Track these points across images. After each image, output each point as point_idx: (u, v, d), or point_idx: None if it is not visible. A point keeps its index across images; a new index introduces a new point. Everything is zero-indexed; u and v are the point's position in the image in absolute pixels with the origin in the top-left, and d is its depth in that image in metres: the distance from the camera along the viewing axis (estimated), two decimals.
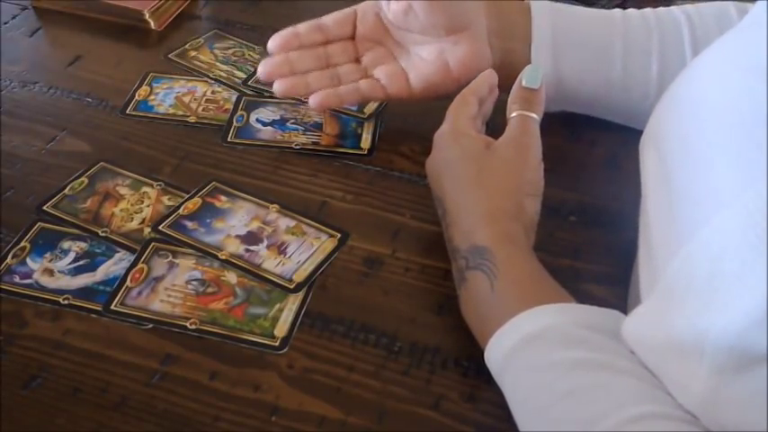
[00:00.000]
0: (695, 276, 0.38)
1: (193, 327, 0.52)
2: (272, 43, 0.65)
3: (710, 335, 0.36)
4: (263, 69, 0.65)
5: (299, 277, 0.55)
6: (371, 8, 0.66)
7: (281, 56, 0.65)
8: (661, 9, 0.64)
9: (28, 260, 0.56)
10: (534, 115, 0.56)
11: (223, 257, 0.56)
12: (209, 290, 0.54)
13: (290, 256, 0.57)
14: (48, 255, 0.56)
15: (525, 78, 0.58)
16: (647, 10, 0.64)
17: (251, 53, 0.78)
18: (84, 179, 0.63)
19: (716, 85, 0.46)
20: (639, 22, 0.63)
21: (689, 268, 0.39)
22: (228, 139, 0.67)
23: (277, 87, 0.65)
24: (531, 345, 0.45)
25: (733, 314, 0.35)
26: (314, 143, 0.67)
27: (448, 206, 0.54)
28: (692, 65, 0.51)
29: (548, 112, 0.58)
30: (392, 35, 0.66)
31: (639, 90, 0.62)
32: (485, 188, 0.54)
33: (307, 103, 0.71)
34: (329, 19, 0.66)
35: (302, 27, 0.66)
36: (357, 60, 0.67)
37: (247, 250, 0.57)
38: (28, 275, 0.55)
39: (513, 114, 0.57)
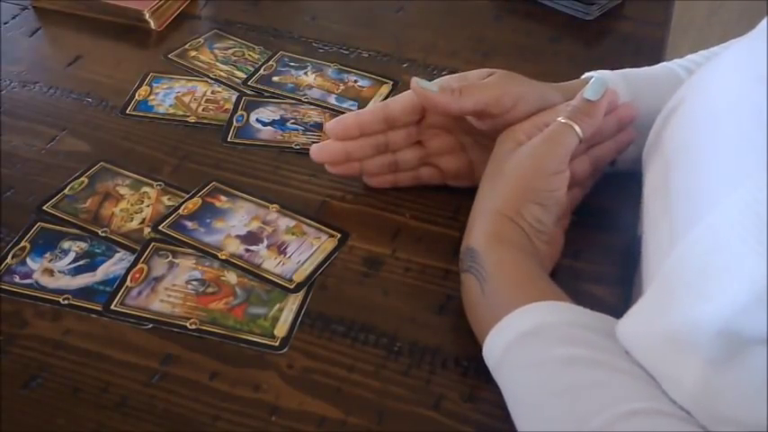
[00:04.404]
0: (688, 271, 0.39)
1: (193, 327, 0.52)
2: (333, 129, 0.60)
3: (702, 324, 0.37)
4: (318, 154, 0.60)
5: (298, 277, 0.55)
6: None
7: (339, 145, 0.60)
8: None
9: (28, 260, 0.56)
10: (576, 126, 0.53)
11: (223, 257, 0.56)
12: (209, 290, 0.54)
13: (290, 256, 0.57)
14: (48, 255, 0.56)
15: (587, 89, 0.54)
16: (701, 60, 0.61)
17: (251, 53, 0.78)
18: (84, 179, 0.63)
19: (718, 92, 0.47)
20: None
21: (682, 264, 0.40)
22: (228, 139, 0.67)
23: (330, 169, 0.61)
24: (527, 341, 0.45)
25: (722, 301, 0.36)
26: (314, 143, 0.67)
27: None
28: (694, 76, 0.51)
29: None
30: (463, 128, 0.60)
31: None
32: (493, 189, 0.54)
33: (307, 103, 0.71)
34: (397, 107, 0.59)
35: (367, 117, 0.59)
36: (419, 142, 0.61)
37: (247, 250, 0.57)
38: (28, 275, 0.55)
39: (556, 119, 0.54)
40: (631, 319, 0.44)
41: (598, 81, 0.55)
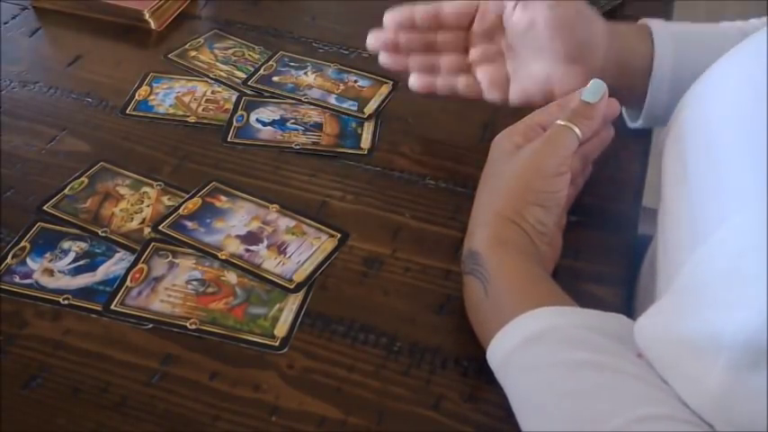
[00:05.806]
0: (712, 274, 0.38)
1: (193, 327, 0.52)
2: (389, 18, 0.64)
3: (728, 331, 0.36)
4: (373, 42, 0.65)
5: (299, 277, 0.55)
6: (495, 7, 0.62)
7: (392, 35, 0.64)
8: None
9: (28, 260, 0.56)
10: (576, 129, 0.54)
11: (223, 257, 0.56)
12: (209, 290, 0.54)
13: (290, 256, 0.57)
14: (48, 255, 0.56)
15: (586, 91, 0.55)
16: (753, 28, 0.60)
17: (251, 53, 0.78)
18: (84, 179, 0.63)
19: (741, 87, 0.46)
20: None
21: (706, 266, 0.39)
22: (228, 139, 0.67)
23: (381, 59, 0.66)
24: (533, 345, 0.45)
25: (751, 311, 0.35)
26: (314, 143, 0.67)
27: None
28: (717, 66, 0.50)
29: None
30: (508, 38, 0.62)
31: None
32: (492, 191, 0.54)
33: (307, 104, 0.71)
34: (449, 8, 0.63)
35: (420, 11, 0.63)
36: (465, 49, 0.65)
37: (247, 250, 0.57)
38: (28, 275, 0.55)
39: (555, 122, 0.55)
40: (650, 318, 0.43)
41: (596, 83, 0.55)
